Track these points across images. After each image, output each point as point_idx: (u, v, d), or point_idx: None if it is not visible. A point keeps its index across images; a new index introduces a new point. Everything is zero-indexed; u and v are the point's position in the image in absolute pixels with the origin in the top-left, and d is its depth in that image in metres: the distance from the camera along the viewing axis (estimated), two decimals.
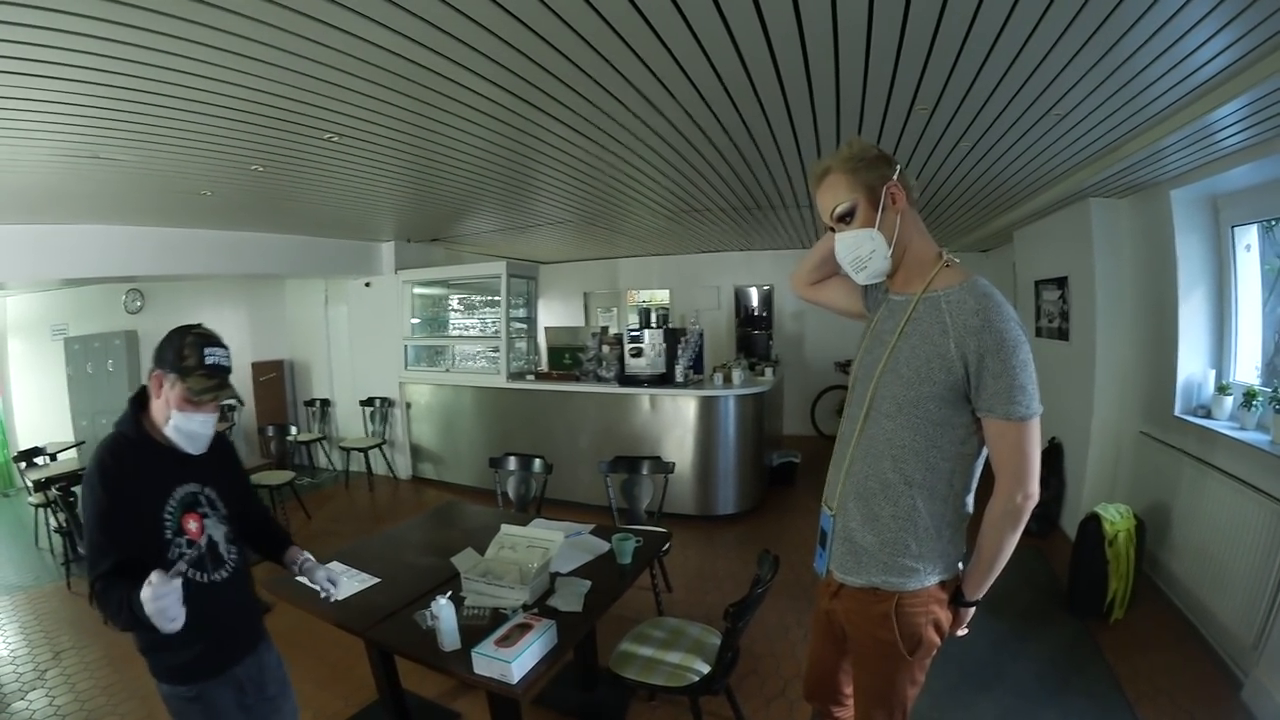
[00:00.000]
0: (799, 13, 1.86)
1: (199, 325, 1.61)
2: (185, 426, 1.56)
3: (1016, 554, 1.40)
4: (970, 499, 1.50)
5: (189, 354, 1.53)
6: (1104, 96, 2.49)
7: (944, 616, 1.50)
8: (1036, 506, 1.39)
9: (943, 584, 1.49)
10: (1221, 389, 3.45)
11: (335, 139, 3.01)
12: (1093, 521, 3.43)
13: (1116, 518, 3.37)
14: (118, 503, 1.47)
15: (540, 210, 5.28)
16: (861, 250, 1.48)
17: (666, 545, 2.89)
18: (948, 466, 1.44)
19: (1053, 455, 4.77)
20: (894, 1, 1.79)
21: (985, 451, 1.45)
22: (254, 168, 3.43)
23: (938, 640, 1.51)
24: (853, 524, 1.54)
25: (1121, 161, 3.21)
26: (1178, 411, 3.64)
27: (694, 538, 4.86)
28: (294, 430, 6.29)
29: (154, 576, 1.32)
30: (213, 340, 1.59)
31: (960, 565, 1.52)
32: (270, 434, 6.09)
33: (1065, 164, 3.56)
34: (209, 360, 1.54)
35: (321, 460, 7.61)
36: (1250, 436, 3.06)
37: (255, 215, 4.93)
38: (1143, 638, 3.21)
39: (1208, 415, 3.49)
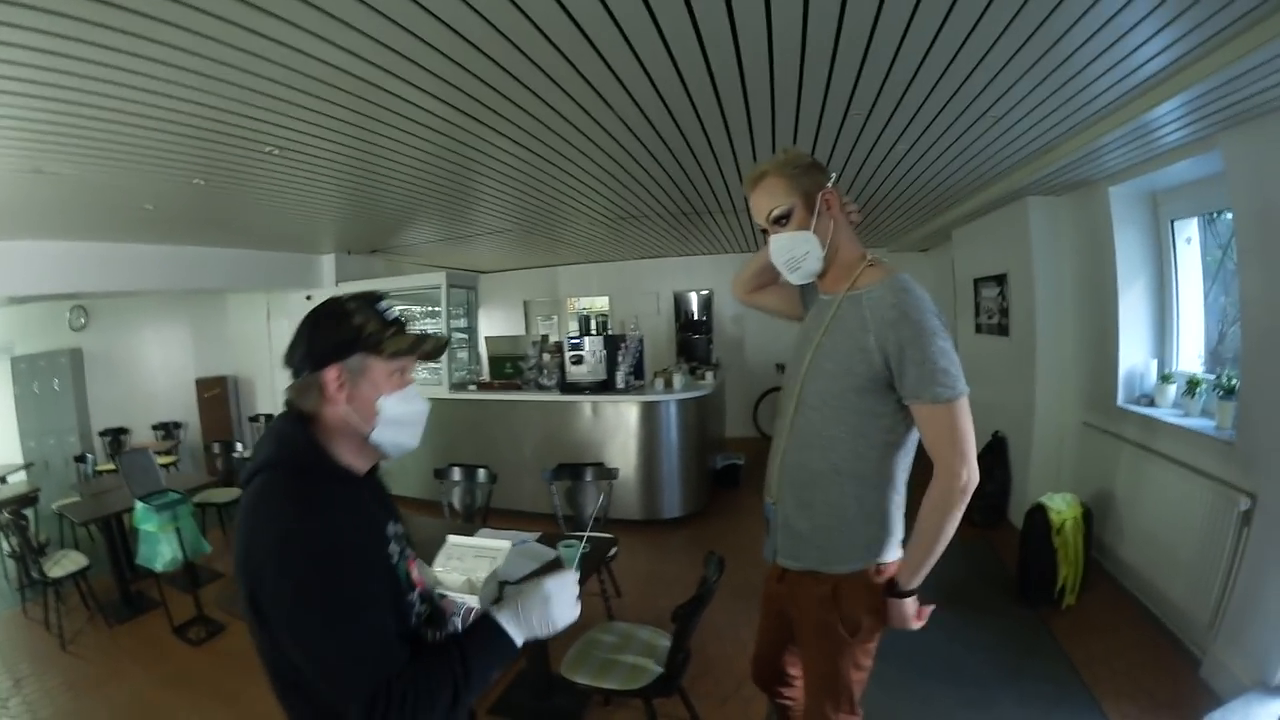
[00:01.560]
0: (733, 20, 1.88)
1: (338, 296, 1.15)
2: (408, 410, 1.15)
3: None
4: (902, 486, 1.53)
5: (363, 320, 1.08)
6: (1042, 97, 2.53)
7: (883, 601, 1.53)
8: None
9: (879, 568, 1.53)
10: (1165, 378, 3.54)
11: (276, 152, 2.97)
12: (1038, 512, 3.48)
13: (1063, 507, 3.43)
14: (361, 561, 1.01)
15: (480, 220, 5.26)
16: (796, 251, 1.54)
17: (613, 550, 2.90)
18: (875, 454, 1.48)
19: (997, 448, 4.78)
20: (829, 7, 1.80)
21: (914, 440, 1.50)
22: (196, 181, 3.37)
23: (878, 625, 1.55)
24: (790, 511, 1.60)
25: (1059, 160, 3.28)
26: (1120, 401, 3.72)
27: (641, 542, 4.82)
28: (240, 447, 6.15)
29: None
30: (374, 295, 1.15)
31: (899, 552, 1.55)
32: (216, 451, 5.95)
33: (1002, 164, 3.62)
34: (389, 316, 1.13)
35: None
36: (1194, 423, 3.14)
37: (198, 229, 4.86)
38: (1096, 622, 3.27)
39: (1151, 404, 3.57)
